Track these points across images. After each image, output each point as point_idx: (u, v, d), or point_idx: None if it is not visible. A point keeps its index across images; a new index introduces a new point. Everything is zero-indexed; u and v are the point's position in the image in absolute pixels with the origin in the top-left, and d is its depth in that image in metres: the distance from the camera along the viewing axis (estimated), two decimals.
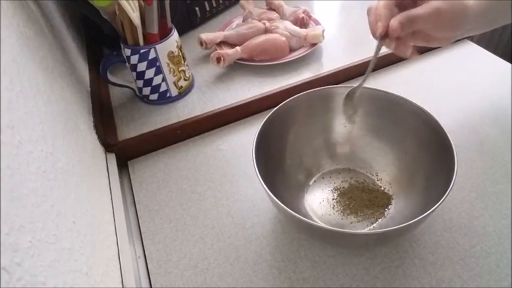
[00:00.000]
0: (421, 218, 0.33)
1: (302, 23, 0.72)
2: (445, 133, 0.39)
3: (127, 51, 0.56)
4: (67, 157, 0.36)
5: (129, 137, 0.56)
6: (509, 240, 0.41)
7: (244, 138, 0.57)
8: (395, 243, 0.42)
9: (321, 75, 0.63)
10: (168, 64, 0.58)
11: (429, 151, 0.42)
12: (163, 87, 0.60)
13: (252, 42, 0.66)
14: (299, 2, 0.81)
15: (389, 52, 0.39)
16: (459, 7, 0.36)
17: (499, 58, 0.66)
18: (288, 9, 0.76)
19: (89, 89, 0.61)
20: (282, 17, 0.76)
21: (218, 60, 0.64)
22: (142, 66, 0.57)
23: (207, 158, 0.55)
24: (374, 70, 0.66)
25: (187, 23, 0.78)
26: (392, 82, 0.64)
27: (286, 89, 0.61)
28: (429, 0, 0.36)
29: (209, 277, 0.41)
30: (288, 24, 0.70)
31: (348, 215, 0.45)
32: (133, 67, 0.57)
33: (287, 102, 0.45)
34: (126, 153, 0.55)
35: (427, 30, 0.37)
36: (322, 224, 0.43)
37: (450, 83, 0.62)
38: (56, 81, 0.43)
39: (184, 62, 0.61)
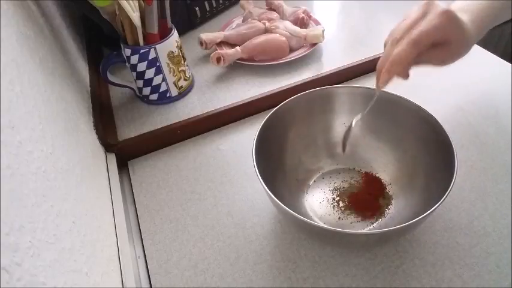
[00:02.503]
0: (421, 218, 0.33)
1: (302, 23, 0.72)
2: (445, 133, 0.39)
3: (127, 51, 0.56)
4: (67, 157, 0.36)
5: (129, 137, 0.56)
6: (509, 240, 0.41)
7: (244, 138, 0.57)
8: (395, 243, 0.42)
9: (321, 75, 0.63)
10: (168, 64, 0.58)
11: (429, 151, 0.42)
12: (163, 87, 0.60)
13: (252, 42, 0.66)
14: (299, 2, 0.81)
15: None
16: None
17: (499, 58, 0.66)
18: (288, 9, 0.76)
19: (89, 89, 0.61)
20: (282, 17, 0.76)
21: (218, 60, 0.64)
22: (142, 66, 0.57)
23: (207, 158, 0.55)
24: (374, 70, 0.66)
25: (187, 23, 0.78)
26: (392, 82, 0.64)
27: (286, 89, 0.61)
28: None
29: (209, 277, 0.41)
30: (288, 24, 0.69)
31: (348, 215, 0.45)
32: (133, 67, 0.57)
33: (287, 102, 0.45)
34: (126, 153, 0.55)
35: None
36: (322, 224, 0.43)
37: (450, 83, 0.62)
38: (56, 81, 0.43)
39: (184, 62, 0.61)
